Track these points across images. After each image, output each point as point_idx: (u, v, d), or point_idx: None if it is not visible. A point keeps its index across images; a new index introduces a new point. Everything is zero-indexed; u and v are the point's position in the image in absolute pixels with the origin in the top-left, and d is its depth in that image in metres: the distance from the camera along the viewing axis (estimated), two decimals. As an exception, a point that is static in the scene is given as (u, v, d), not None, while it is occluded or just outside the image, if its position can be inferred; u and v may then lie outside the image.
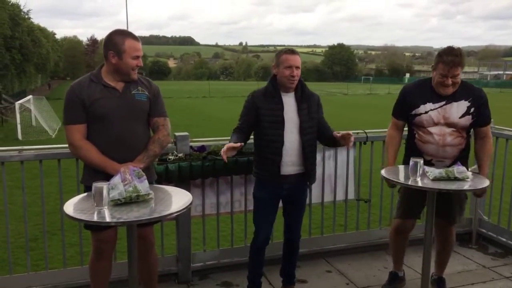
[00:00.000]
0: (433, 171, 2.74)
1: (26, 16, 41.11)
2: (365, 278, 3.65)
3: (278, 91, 2.96)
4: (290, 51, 2.96)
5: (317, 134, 3.07)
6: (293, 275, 3.32)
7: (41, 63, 46.53)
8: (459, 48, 2.96)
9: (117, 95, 2.69)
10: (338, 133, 2.92)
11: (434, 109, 3.05)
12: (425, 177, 2.72)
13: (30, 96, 23.14)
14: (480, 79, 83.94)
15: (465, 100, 3.04)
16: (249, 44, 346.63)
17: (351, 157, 4.03)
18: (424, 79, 3.19)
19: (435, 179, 2.69)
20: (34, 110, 21.42)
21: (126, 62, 2.63)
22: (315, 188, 3.94)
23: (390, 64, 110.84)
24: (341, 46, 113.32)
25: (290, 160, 2.96)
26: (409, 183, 2.67)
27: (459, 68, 2.93)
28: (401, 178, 2.77)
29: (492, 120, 3.20)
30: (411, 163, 2.72)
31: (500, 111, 23.23)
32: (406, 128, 3.31)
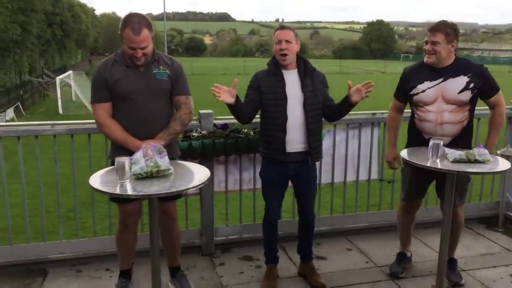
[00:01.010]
0: (453, 153, 2.71)
1: (66, -8, 41.93)
2: (385, 257, 3.68)
3: (279, 68, 2.99)
4: (280, 26, 3.01)
5: (322, 111, 3.08)
6: (310, 251, 3.39)
7: (81, 39, 47.66)
8: (450, 22, 3.01)
9: (138, 74, 2.77)
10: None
11: (431, 86, 3.06)
12: (445, 159, 2.71)
13: (70, 72, 23.88)
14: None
15: (464, 75, 3.02)
16: (285, 20, 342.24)
17: (375, 137, 4.02)
18: (423, 60, 3.17)
19: (455, 161, 2.67)
20: (74, 85, 22.11)
21: (124, 48, 2.70)
22: (338, 167, 3.97)
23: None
24: (380, 22, 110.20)
25: (294, 137, 2.98)
26: (428, 164, 2.66)
27: (438, 34, 2.96)
28: (420, 159, 2.75)
29: (499, 87, 3.13)
30: (430, 144, 2.70)
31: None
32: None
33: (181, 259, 3.27)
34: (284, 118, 2.95)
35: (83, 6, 53.19)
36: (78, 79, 24.46)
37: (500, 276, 3.42)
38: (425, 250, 3.84)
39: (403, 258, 3.51)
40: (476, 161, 2.67)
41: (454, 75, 3.04)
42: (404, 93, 3.23)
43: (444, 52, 3.00)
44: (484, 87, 3.06)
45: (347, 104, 2.94)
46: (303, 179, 3.16)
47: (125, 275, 3.14)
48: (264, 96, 2.98)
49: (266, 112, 3.01)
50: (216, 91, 2.75)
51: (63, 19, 37.78)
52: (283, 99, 2.95)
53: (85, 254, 3.53)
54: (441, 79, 3.05)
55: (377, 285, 3.31)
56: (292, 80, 3.00)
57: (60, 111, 19.14)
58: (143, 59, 2.71)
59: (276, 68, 3.00)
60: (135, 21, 2.63)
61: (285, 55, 2.94)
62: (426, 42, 3.05)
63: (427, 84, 3.08)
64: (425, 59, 3.08)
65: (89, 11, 60.64)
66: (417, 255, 3.71)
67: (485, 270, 3.52)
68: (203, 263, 3.62)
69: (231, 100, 2.80)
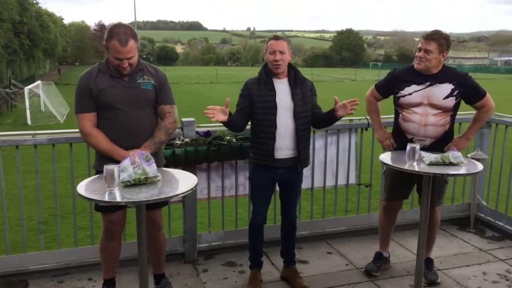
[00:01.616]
0: (429, 156, 2.84)
1: (34, 1, 41.19)
2: (364, 259, 3.78)
3: (271, 77, 3.07)
4: (274, 37, 3.08)
5: (311, 119, 3.18)
6: (293, 254, 3.46)
7: (49, 48, 46.72)
8: (444, 32, 3.16)
9: (123, 84, 2.79)
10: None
11: (418, 90, 3.20)
12: (421, 161, 2.83)
13: (39, 82, 23.34)
14: (491, 65, 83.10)
15: (449, 83, 3.18)
16: (257, 29, 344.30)
17: (353, 143, 4.14)
18: (413, 64, 3.31)
19: (431, 164, 2.80)
20: (43, 95, 21.63)
21: (110, 58, 2.73)
22: (317, 172, 4.07)
23: (399, 50, 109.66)
24: (349, 31, 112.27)
25: (283, 144, 3.07)
26: (406, 167, 2.78)
27: (432, 43, 3.10)
28: (398, 162, 2.87)
29: (486, 92, 3.27)
30: (407, 148, 2.83)
31: (507, 98, 23.11)
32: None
33: (164, 267, 3.29)
34: (274, 126, 3.04)
35: (51, 15, 52.23)
36: (47, 89, 23.95)
37: (474, 275, 3.57)
38: (402, 251, 3.96)
39: (379, 258, 3.64)
40: (450, 164, 2.80)
41: (441, 81, 3.19)
42: (389, 91, 3.38)
43: (434, 61, 3.15)
44: (468, 94, 3.22)
45: (332, 117, 3.07)
46: (290, 183, 3.25)
47: (109, 284, 3.13)
48: (255, 104, 3.06)
49: (257, 120, 3.09)
50: (210, 113, 2.83)
51: (31, 28, 36.98)
52: (273, 107, 3.04)
53: (66, 264, 3.50)
54: (428, 84, 3.19)
55: (357, 287, 3.41)
56: (282, 89, 3.08)
57: (29, 121, 18.69)
58: (128, 69, 2.74)
59: (267, 77, 3.08)
60: (122, 32, 2.66)
61: (279, 65, 3.02)
62: (420, 49, 3.17)
63: (414, 87, 3.22)
64: (415, 65, 3.21)
65: (58, 20, 59.55)
66: (395, 256, 3.83)
67: (459, 269, 3.66)
68: (186, 270, 3.64)
69: (224, 118, 2.91)
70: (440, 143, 3.23)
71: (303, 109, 3.09)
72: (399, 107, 3.33)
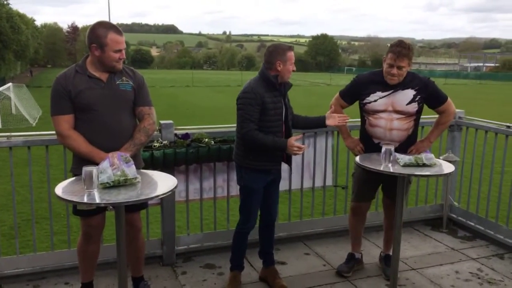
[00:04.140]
0: (403, 158, 2.92)
1: (5, 2, 40.30)
2: (340, 260, 3.83)
3: (278, 83, 3.09)
4: (293, 48, 3.19)
5: (295, 120, 3.30)
6: (272, 254, 3.50)
7: (20, 50, 45.67)
8: (409, 43, 3.19)
9: (102, 85, 2.77)
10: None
11: (383, 96, 3.28)
12: (396, 163, 2.91)
13: (9, 84, 22.78)
14: (461, 71, 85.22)
15: (412, 89, 3.27)
16: (233, 33, 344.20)
17: (329, 146, 4.21)
18: (376, 70, 3.40)
19: (405, 165, 2.88)
20: (14, 98, 21.11)
21: (108, 56, 2.69)
22: (295, 174, 4.12)
23: (373, 55, 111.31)
24: (324, 36, 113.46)
25: None
26: (381, 168, 2.85)
27: (405, 60, 3.13)
28: (374, 164, 2.94)
29: (447, 97, 3.39)
30: (383, 150, 2.90)
31: (477, 103, 23.78)
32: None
33: (143, 269, 3.27)
34: (281, 131, 3.12)
35: (22, 16, 51.08)
36: (18, 91, 23.39)
37: (447, 273, 3.67)
38: (377, 251, 4.03)
39: (351, 259, 3.71)
40: (424, 165, 2.89)
41: (404, 88, 3.26)
42: (353, 98, 3.44)
43: (405, 74, 3.22)
44: (430, 99, 3.31)
45: (322, 124, 3.27)
46: (275, 181, 3.34)
47: (88, 287, 3.10)
48: (267, 111, 3.03)
49: (268, 127, 3.04)
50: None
51: (1, 30, 36.17)
52: (281, 114, 3.11)
53: (42, 269, 3.44)
54: (392, 91, 3.27)
55: (334, 286, 3.46)
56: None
57: (-1, 125, 18.28)
58: (121, 62, 2.76)
59: (277, 82, 3.08)
60: (112, 24, 2.70)
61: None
62: (391, 65, 3.16)
63: (378, 94, 3.29)
64: (389, 81, 3.23)
65: (29, 22, 58.21)
66: (371, 256, 3.91)
67: (433, 268, 3.76)
68: (164, 273, 3.62)
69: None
70: (404, 147, 3.31)
71: (290, 112, 3.21)
72: (365, 113, 3.40)
